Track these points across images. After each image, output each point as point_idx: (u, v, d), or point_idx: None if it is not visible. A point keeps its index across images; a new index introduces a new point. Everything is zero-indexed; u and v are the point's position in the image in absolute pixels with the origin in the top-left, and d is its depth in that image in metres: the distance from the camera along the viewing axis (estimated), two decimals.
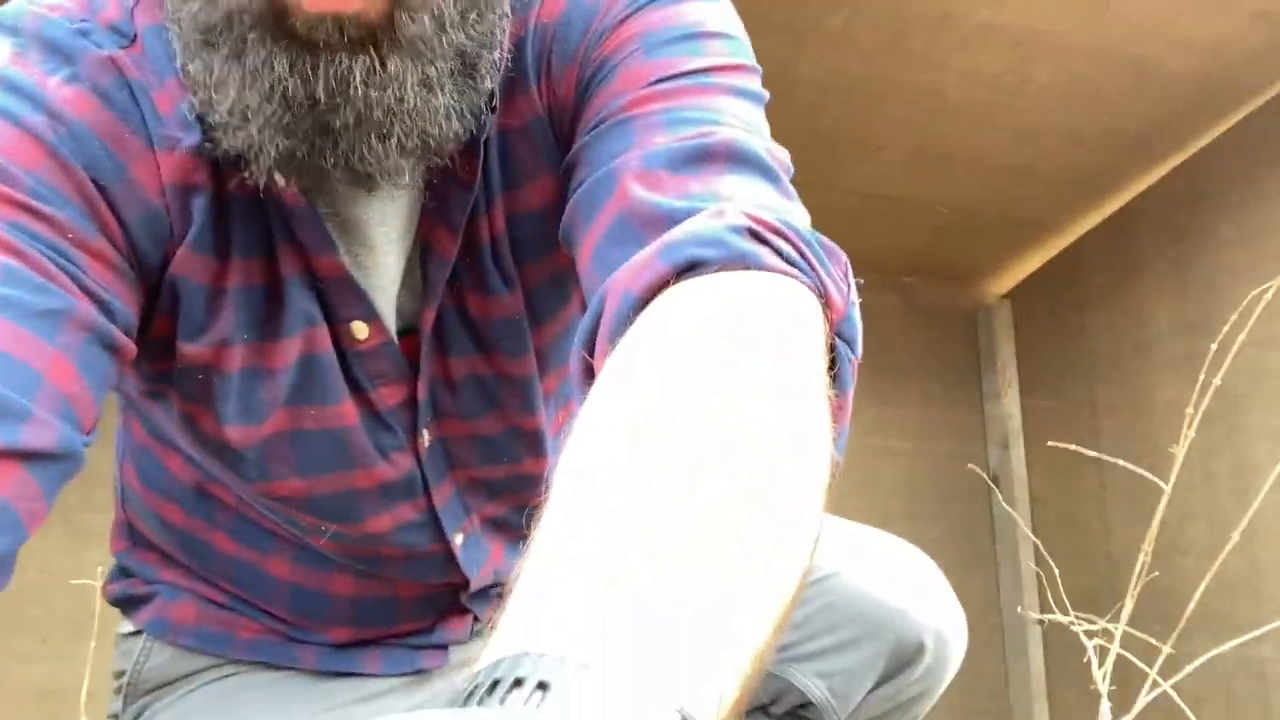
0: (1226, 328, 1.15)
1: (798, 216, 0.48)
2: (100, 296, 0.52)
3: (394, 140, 0.51)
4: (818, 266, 0.45)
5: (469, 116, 0.54)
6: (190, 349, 0.59)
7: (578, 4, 0.58)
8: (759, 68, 0.58)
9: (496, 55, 0.55)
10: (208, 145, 0.54)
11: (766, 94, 0.57)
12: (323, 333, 0.60)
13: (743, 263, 0.44)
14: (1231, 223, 1.91)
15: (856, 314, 0.47)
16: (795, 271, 0.44)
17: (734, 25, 0.59)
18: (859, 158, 1.89)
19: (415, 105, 0.51)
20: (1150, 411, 2.09)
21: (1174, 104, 1.82)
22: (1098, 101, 1.80)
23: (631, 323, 0.43)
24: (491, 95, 0.56)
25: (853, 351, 0.46)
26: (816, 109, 1.74)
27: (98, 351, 0.51)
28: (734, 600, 0.31)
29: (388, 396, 0.64)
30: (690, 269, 0.44)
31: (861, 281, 0.48)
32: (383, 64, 0.49)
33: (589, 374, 0.47)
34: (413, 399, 0.65)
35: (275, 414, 0.62)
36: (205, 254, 0.57)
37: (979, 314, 2.51)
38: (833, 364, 0.44)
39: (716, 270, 0.43)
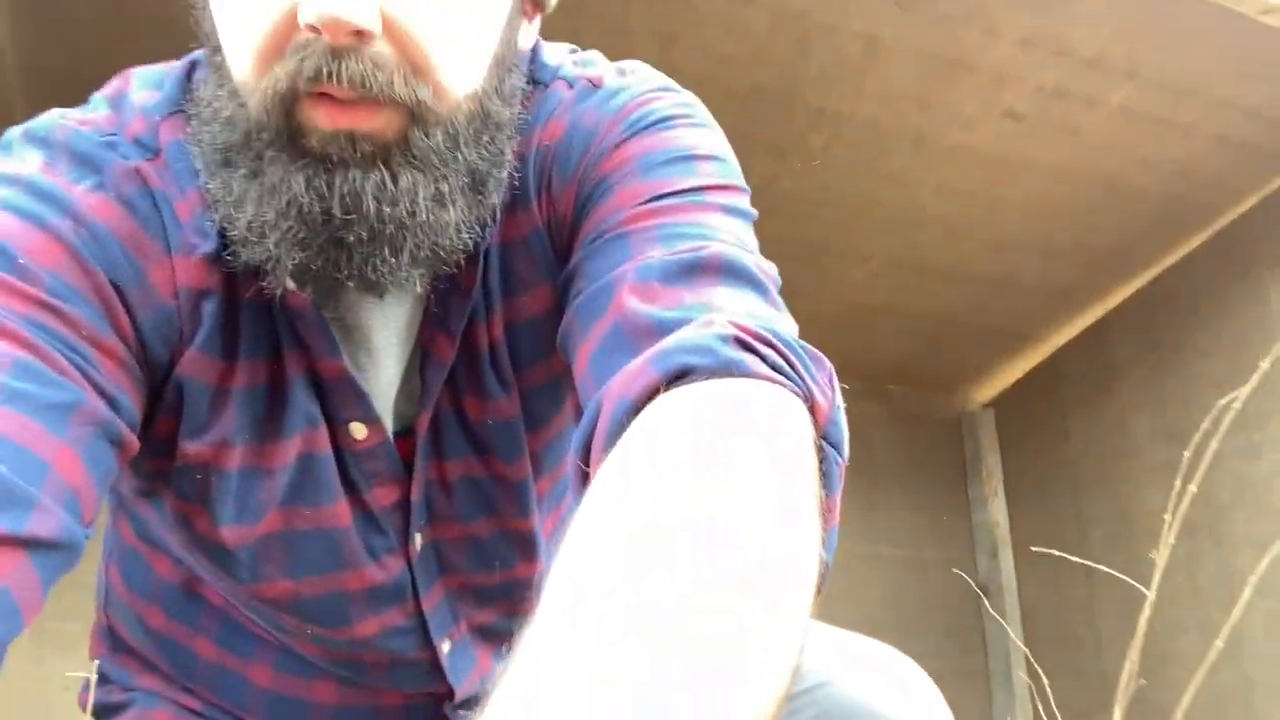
0: (1198, 435, 1.17)
1: (785, 326, 0.50)
2: (109, 392, 0.52)
3: (406, 253, 0.53)
4: (804, 373, 0.46)
5: (476, 229, 0.56)
6: (191, 447, 0.60)
7: (578, 126, 0.60)
8: (748, 188, 0.60)
9: (503, 173, 0.57)
10: (227, 257, 0.55)
11: (755, 212, 0.59)
12: (322, 433, 0.61)
13: (730, 370, 0.45)
14: (1207, 332, 1.96)
15: (842, 419, 0.48)
16: (781, 378, 0.45)
17: (725, 149, 0.62)
18: (844, 268, 1.95)
19: (427, 219, 0.53)
20: (1135, 519, 2.10)
21: (1144, 220, 1.90)
22: (1069, 217, 1.87)
23: (625, 428, 0.44)
24: (494, 208, 0.58)
25: (840, 455, 0.47)
26: (802, 222, 1.80)
27: (104, 446, 0.52)
28: (733, 676, 0.31)
29: (382, 497, 0.65)
30: (681, 376, 0.45)
31: (846, 388, 0.50)
32: (395, 179, 0.51)
33: (584, 479, 0.47)
34: (406, 500, 0.65)
35: (270, 514, 0.62)
36: (213, 356, 0.58)
37: (963, 421, 2.54)
38: (821, 466, 0.44)
39: (706, 377, 0.45)
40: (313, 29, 0.48)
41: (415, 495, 0.66)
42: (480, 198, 0.56)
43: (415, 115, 0.51)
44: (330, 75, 0.48)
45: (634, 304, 0.52)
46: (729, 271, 0.53)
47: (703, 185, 0.58)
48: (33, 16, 1.31)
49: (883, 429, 2.42)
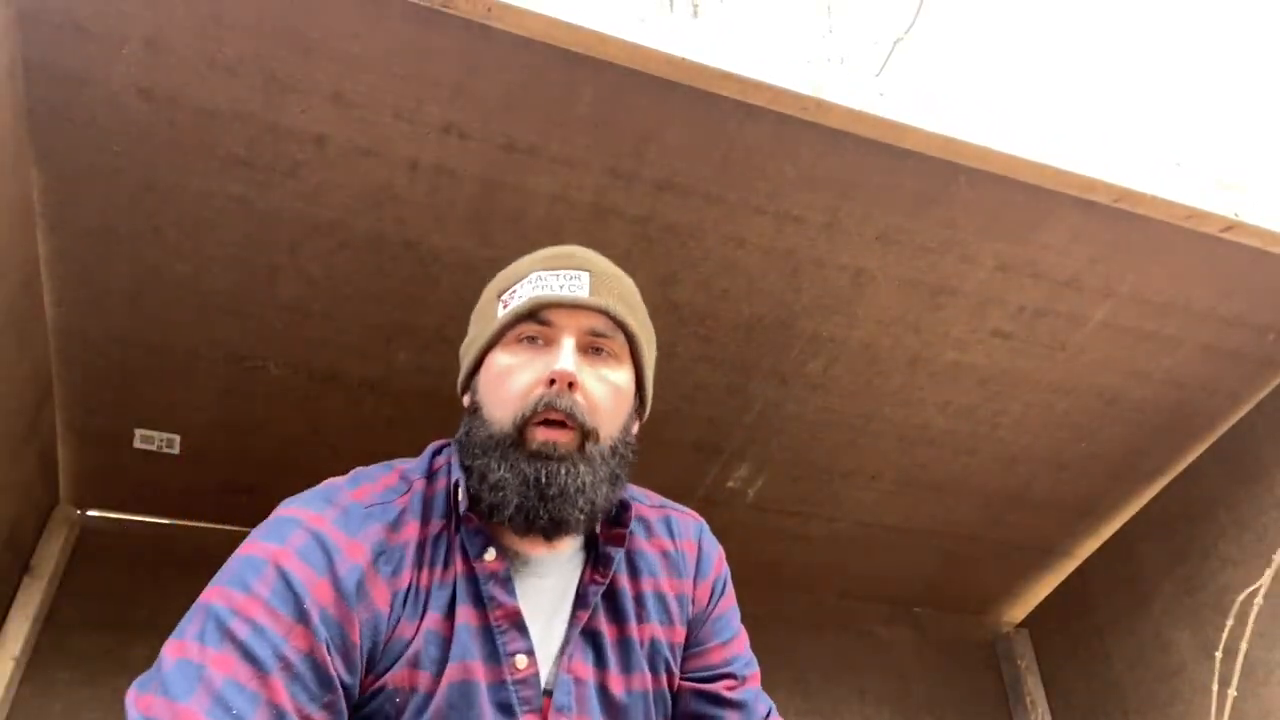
0: (1225, 635, 1.15)
1: None
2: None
3: (577, 505, 0.93)
4: None
5: (614, 502, 1.00)
6: (387, 678, 0.89)
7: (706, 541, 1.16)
8: None
9: (622, 486, 1.01)
10: (475, 526, 0.96)
11: None
12: (479, 666, 0.92)
13: None
14: (1229, 541, 1.93)
15: None
16: None
17: None
18: (855, 487, 1.97)
19: (590, 489, 0.94)
20: None
21: (1146, 430, 1.93)
22: (1072, 429, 1.90)
23: None
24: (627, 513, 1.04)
25: None
26: (808, 443, 1.85)
27: None
28: None
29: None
30: None
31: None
32: (576, 468, 0.94)
33: None
34: None
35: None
36: (412, 620, 0.91)
37: (997, 644, 2.45)
38: None
39: None
40: (550, 381, 0.94)
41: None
42: (614, 488, 0.98)
43: (586, 435, 0.95)
44: (555, 406, 0.94)
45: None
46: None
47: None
48: (75, 288, 1.44)
49: (915, 655, 2.34)
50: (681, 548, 1.09)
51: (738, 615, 1.15)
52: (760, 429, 1.80)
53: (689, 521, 1.14)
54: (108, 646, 1.67)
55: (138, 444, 1.66)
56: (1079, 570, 2.29)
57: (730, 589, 1.14)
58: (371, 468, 1.01)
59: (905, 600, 2.34)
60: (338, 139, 1.32)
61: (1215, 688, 1.14)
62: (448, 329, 1.56)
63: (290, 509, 0.91)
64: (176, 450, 1.68)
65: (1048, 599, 2.38)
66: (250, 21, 1.19)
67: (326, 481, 0.97)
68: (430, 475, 1.01)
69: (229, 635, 0.80)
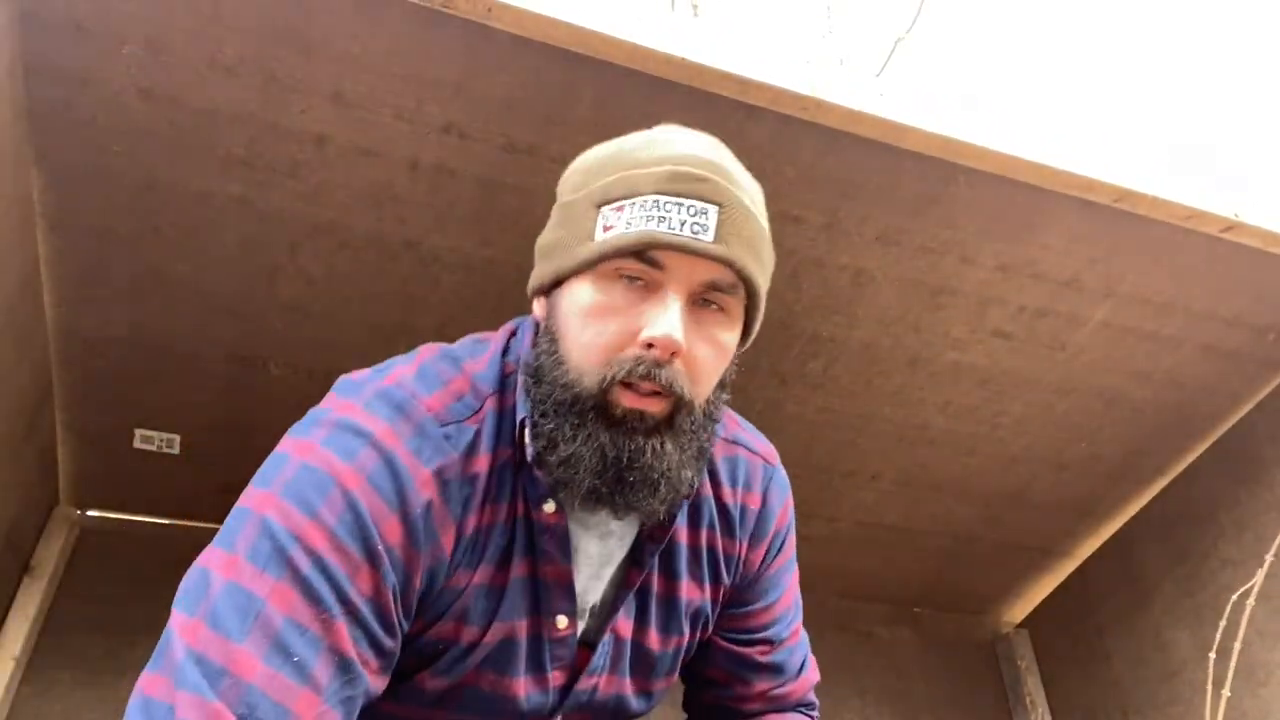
0: (1219, 635, 1.15)
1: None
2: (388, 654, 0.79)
3: (659, 493, 0.80)
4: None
5: (696, 484, 0.86)
6: (435, 629, 0.83)
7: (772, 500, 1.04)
8: None
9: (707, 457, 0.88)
10: (539, 476, 0.83)
11: None
12: (533, 622, 0.87)
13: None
14: (1229, 542, 1.93)
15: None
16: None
17: None
18: (855, 487, 1.97)
19: (674, 473, 0.81)
20: None
21: (1146, 431, 1.93)
22: (1073, 430, 1.90)
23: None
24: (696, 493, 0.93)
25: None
26: (809, 443, 1.85)
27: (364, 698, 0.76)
28: None
29: (557, 679, 0.88)
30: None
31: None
32: (662, 445, 0.80)
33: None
34: (569, 686, 0.90)
35: (468, 674, 0.85)
36: (469, 569, 0.83)
37: (997, 645, 2.45)
38: None
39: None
40: (649, 344, 0.78)
41: (582, 685, 0.90)
42: (700, 465, 0.85)
43: (680, 407, 0.80)
44: (651, 378, 0.78)
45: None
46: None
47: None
48: (75, 288, 1.44)
49: (916, 655, 2.34)
50: (743, 500, 0.97)
51: (791, 568, 1.05)
52: (760, 429, 1.80)
53: (758, 466, 1.00)
54: (108, 647, 1.67)
55: (138, 444, 1.66)
56: (1079, 570, 2.29)
57: (790, 541, 1.04)
58: (435, 356, 0.87)
59: (905, 600, 2.34)
60: (338, 139, 1.32)
61: (1209, 688, 1.14)
62: (448, 329, 1.56)
63: (358, 412, 0.78)
64: (176, 450, 1.68)
65: (1048, 599, 2.38)
66: (250, 22, 1.19)
67: (392, 374, 0.83)
68: (502, 388, 0.86)
69: (289, 564, 0.70)
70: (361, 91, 1.27)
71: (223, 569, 0.72)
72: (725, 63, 1.22)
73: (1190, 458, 2.00)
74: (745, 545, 0.97)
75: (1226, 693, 1.11)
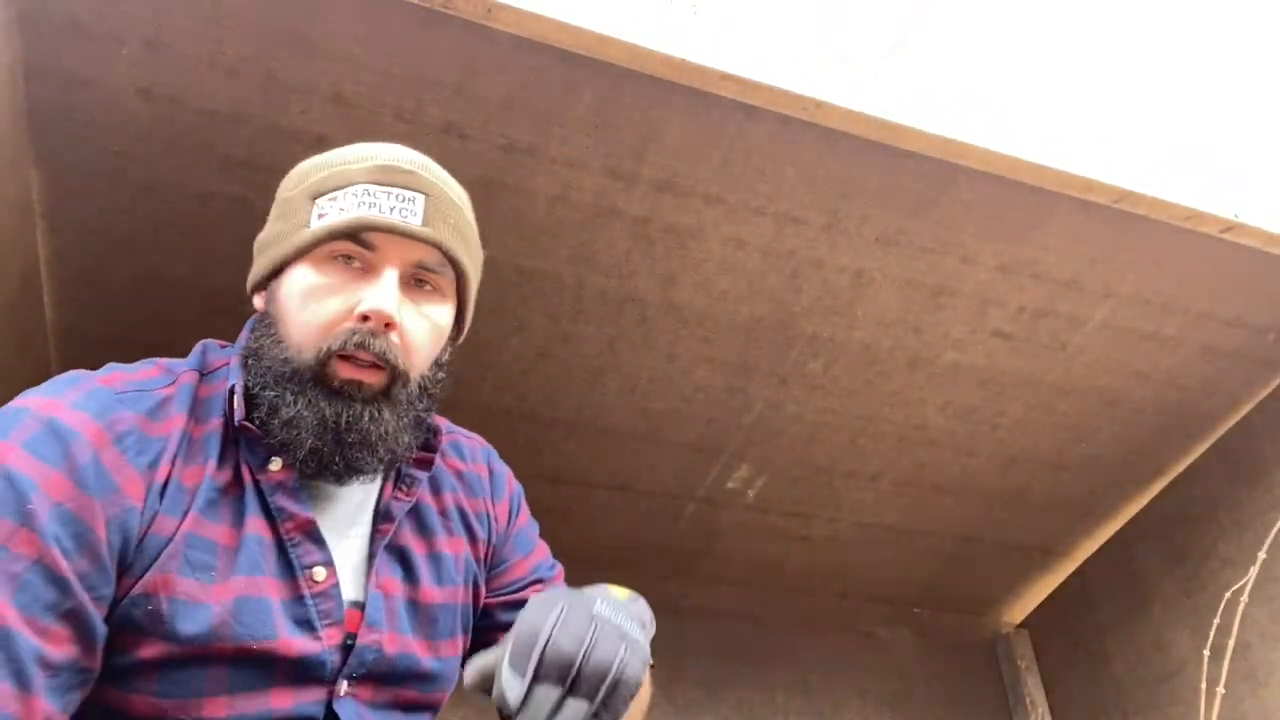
0: (1213, 632, 1.15)
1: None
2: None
3: (376, 454, 0.87)
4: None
5: (414, 448, 0.93)
6: (145, 580, 0.79)
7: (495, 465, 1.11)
8: None
9: (429, 425, 0.96)
10: (260, 440, 0.85)
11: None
12: (289, 583, 0.85)
13: None
14: (1229, 542, 1.93)
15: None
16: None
17: None
18: (855, 488, 1.97)
19: (392, 437, 0.87)
20: None
21: (1146, 431, 1.93)
22: (1072, 430, 1.90)
23: None
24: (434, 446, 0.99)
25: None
26: (808, 443, 1.85)
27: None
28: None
29: (330, 638, 0.85)
30: None
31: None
32: (380, 412, 0.86)
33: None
34: (347, 645, 0.86)
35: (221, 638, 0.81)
36: (214, 521, 0.83)
37: (997, 645, 2.45)
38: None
39: None
40: (364, 317, 0.84)
41: (364, 641, 0.87)
42: (417, 433, 0.92)
43: (395, 378, 0.87)
44: (367, 347, 0.84)
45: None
46: None
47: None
48: (75, 288, 1.44)
49: (915, 656, 2.34)
50: (473, 469, 1.05)
51: (535, 528, 1.12)
52: (760, 430, 1.80)
53: (476, 446, 1.09)
54: None
55: None
56: (1079, 571, 2.29)
57: (524, 505, 1.11)
58: (139, 362, 0.89)
59: (905, 600, 2.34)
60: (338, 139, 1.32)
61: (1204, 686, 1.14)
62: None
63: (22, 399, 0.78)
64: None
65: (1048, 599, 2.38)
66: (250, 22, 1.19)
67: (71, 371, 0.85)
68: (207, 373, 0.90)
69: None
70: (361, 92, 1.27)
71: None
72: (724, 63, 1.23)
73: (1190, 458, 2.00)
74: (489, 502, 1.05)
75: (1221, 689, 1.10)
